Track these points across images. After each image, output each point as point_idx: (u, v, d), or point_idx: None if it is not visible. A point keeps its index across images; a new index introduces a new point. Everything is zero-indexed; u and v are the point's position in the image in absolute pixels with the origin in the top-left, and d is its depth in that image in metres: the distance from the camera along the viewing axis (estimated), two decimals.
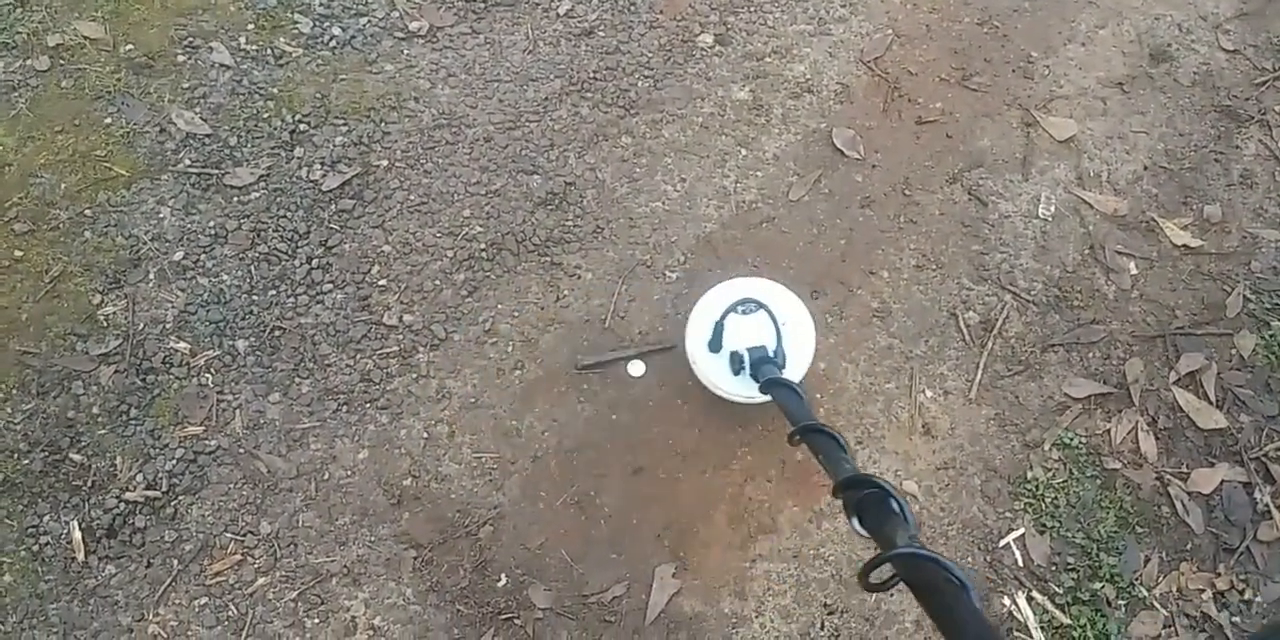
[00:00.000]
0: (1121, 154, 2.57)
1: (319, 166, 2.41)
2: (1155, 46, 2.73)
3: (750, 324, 1.97)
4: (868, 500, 1.14)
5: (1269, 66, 2.72)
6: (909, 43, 2.70)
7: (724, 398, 1.98)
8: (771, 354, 1.91)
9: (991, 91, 2.64)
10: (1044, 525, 2.15)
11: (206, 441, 2.13)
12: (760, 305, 1.97)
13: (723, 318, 1.95)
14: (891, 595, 2.08)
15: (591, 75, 2.58)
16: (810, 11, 2.72)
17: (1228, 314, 2.38)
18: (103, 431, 2.13)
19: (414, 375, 2.22)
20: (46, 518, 2.05)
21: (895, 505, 1.11)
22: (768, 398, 1.80)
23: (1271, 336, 2.35)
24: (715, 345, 1.95)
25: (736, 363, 1.90)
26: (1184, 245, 2.45)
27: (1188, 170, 2.56)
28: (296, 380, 2.20)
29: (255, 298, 2.27)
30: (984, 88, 2.64)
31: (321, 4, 2.62)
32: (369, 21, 2.60)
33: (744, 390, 1.91)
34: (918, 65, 2.67)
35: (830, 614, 2.05)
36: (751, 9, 2.71)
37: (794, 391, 1.68)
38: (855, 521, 1.14)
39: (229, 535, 2.06)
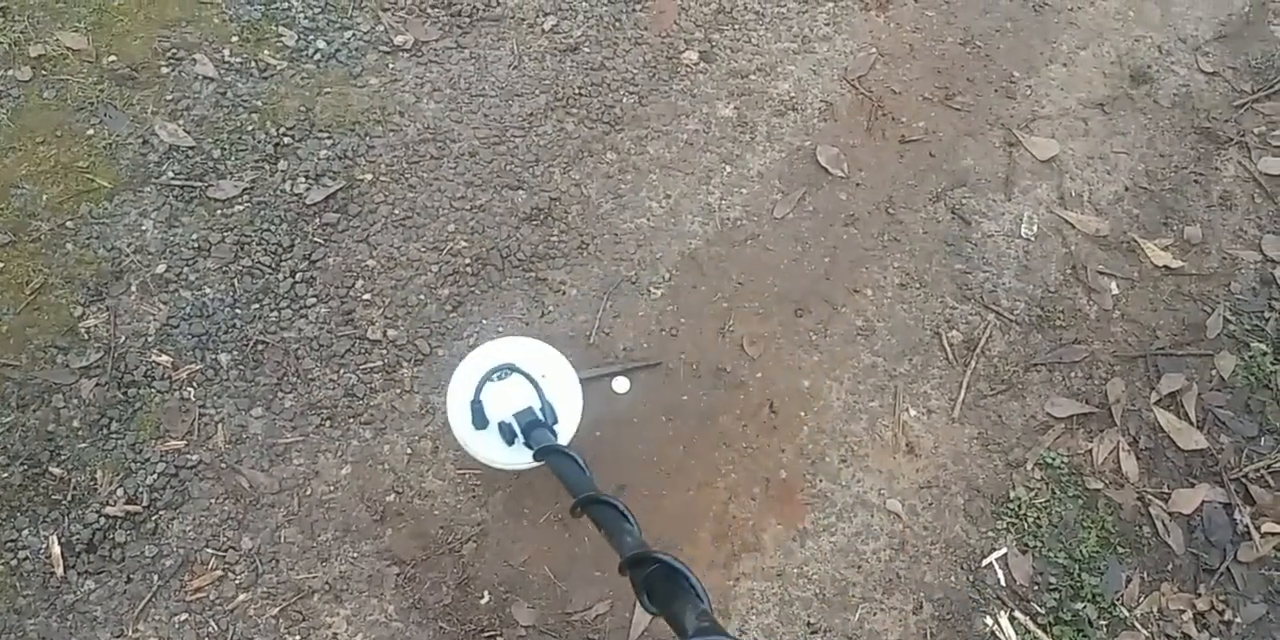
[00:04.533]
0: (1103, 174, 2.59)
1: (303, 180, 2.40)
2: (1136, 68, 2.76)
3: (508, 389, 1.89)
4: (655, 577, 1.09)
5: (1248, 89, 2.76)
6: (892, 62, 2.72)
7: (508, 470, 1.91)
8: (539, 413, 1.83)
9: (974, 111, 2.66)
10: (1026, 545, 2.16)
11: (188, 456, 2.11)
12: (512, 368, 1.89)
13: (478, 394, 1.86)
14: (875, 614, 2.08)
15: (577, 91, 2.58)
16: (794, 30, 2.73)
17: (1208, 335, 2.41)
18: (83, 445, 2.11)
19: (398, 390, 2.21)
20: (25, 532, 2.03)
21: (686, 581, 1.04)
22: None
23: (1251, 358, 2.37)
24: (480, 422, 1.85)
25: (507, 433, 1.82)
26: (1165, 266, 2.48)
27: (1168, 191, 2.59)
28: (279, 395, 2.19)
29: (238, 311, 2.25)
30: (967, 107, 2.66)
31: (306, 17, 2.61)
32: (354, 35, 2.60)
33: (524, 458, 1.81)
34: (901, 84, 2.69)
35: (813, 633, 2.05)
36: (736, 27, 2.72)
37: (569, 457, 1.60)
38: (645, 599, 1.09)
39: (210, 551, 2.04)
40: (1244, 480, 2.24)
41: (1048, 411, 2.30)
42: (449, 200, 2.41)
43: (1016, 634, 2.07)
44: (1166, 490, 2.24)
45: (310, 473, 2.12)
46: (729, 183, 2.50)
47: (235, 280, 2.28)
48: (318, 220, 2.36)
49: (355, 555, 2.06)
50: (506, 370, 1.89)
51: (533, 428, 1.79)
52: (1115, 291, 2.45)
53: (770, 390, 2.27)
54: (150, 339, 2.21)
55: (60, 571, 2.00)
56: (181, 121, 2.44)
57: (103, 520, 2.05)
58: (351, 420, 2.17)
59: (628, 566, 1.14)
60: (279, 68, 2.54)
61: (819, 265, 2.42)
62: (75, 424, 2.13)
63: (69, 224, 2.30)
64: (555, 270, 2.36)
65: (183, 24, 2.57)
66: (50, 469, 2.08)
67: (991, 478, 2.23)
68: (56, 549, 2.01)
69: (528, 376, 1.88)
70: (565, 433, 1.86)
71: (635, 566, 1.13)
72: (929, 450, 2.24)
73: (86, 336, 2.21)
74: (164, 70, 2.50)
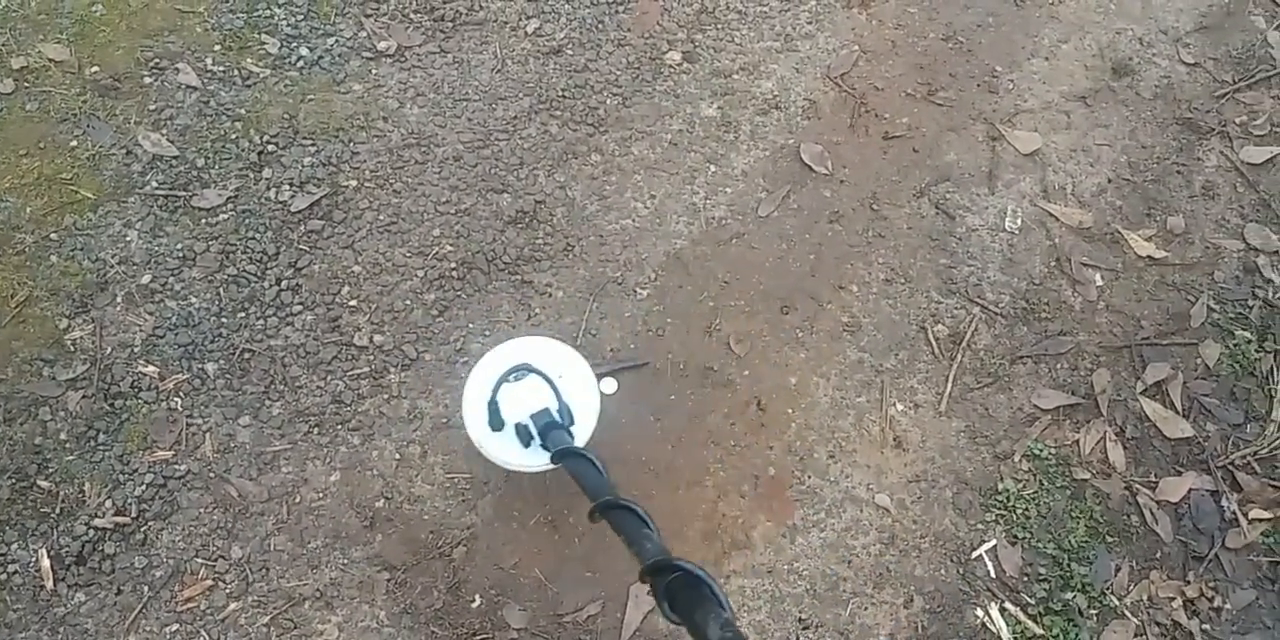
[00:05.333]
0: (1085, 167, 2.60)
1: (287, 187, 2.40)
2: (1117, 60, 2.77)
3: (525, 390, 1.86)
4: (676, 584, 1.07)
5: (1229, 79, 2.76)
6: (875, 58, 2.72)
7: (525, 472, 1.89)
8: (556, 414, 1.80)
9: (957, 106, 2.66)
10: (1015, 536, 2.17)
11: (176, 466, 2.12)
12: (529, 368, 1.84)
13: (495, 394, 1.81)
14: (866, 608, 2.09)
15: (560, 93, 2.58)
16: (777, 28, 2.74)
17: (1192, 324, 2.41)
18: (71, 457, 2.11)
19: (385, 396, 2.21)
20: (14, 546, 2.03)
21: (708, 589, 1.03)
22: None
23: (1236, 346, 2.38)
24: (496, 423, 1.81)
25: (524, 435, 1.79)
26: (1148, 256, 2.48)
27: (1151, 182, 2.59)
28: (267, 403, 2.19)
29: (224, 320, 2.26)
30: (949, 102, 2.67)
31: (289, 24, 2.61)
32: (336, 41, 2.60)
33: (540, 460, 1.78)
34: (884, 80, 2.69)
35: (805, 629, 2.06)
36: (719, 26, 2.72)
37: (586, 460, 1.58)
38: (666, 607, 1.07)
39: (200, 560, 2.05)
40: (1230, 467, 2.25)
41: (1034, 403, 2.30)
42: (434, 205, 2.41)
43: (1007, 625, 2.08)
44: (1154, 479, 2.24)
45: (299, 480, 2.13)
46: (714, 182, 2.51)
47: (221, 289, 2.29)
48: (302, 227, 2.36)
49: (345, 562, 2.06)
50: (524, 371, 1.85)
51: (550, 430, 1.76)
52: (1100, 283, 2.45)
53: (757, 388, 2.28)
54: (136, 350, 2.22)
55: (50, 584, 2.00)
56: (165, 131, 2.45)
57: (92, 532, 2.05)
58: (339, 427, 2.18)
59: (648, 574, 1.12)
60: (262, 75, 2.55)
61: (804, 262, 2.42)
62: (62, 436, 2.13)
63: (53, 236, 2.31)
64: (541, 273, 2.36)
65: (165, 33, 2.57)
66: (38, 482, 2.09)
67: (979, 470, 2.23)
68: (46, 562, 2.01)
69: (544, 377, 1.84)
70: (582, 434, 1.84)
71: (656, 574, 1.10)
72: (917, 444, 2.25)
73: (72, 348, 2.21)
74: (147, 80, 2.51)
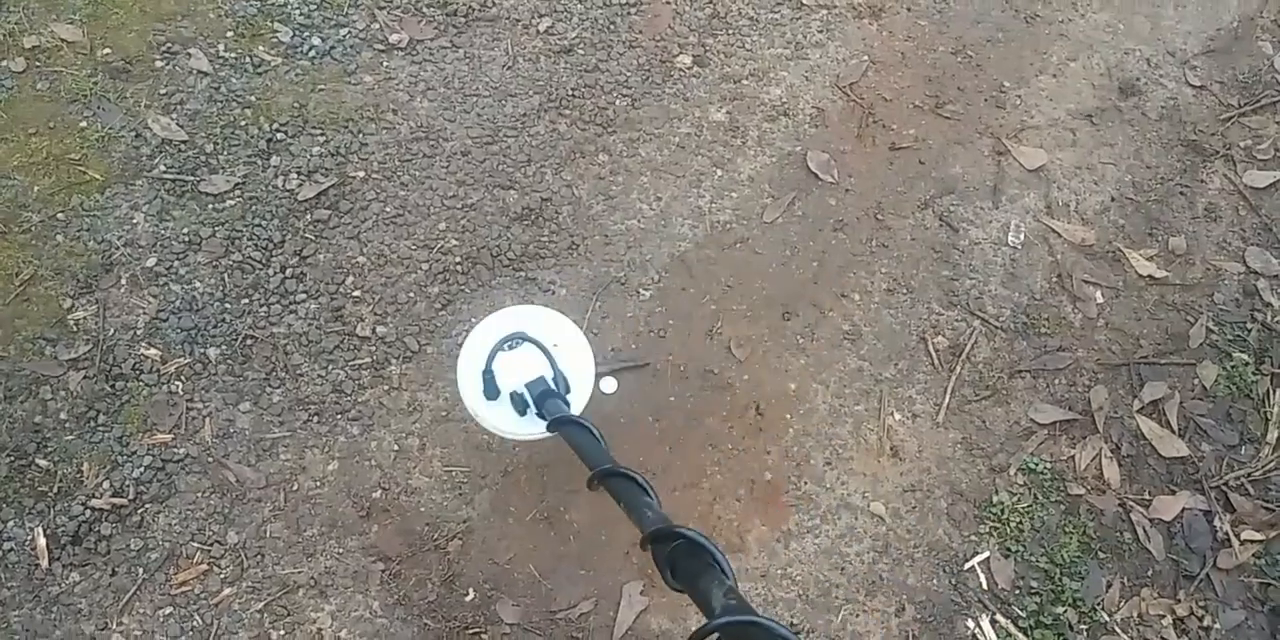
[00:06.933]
0: (1090, 185, 2.62)
1: (295, 176, 2.40)
2: (1124, 80, 2.78)
3: (519, 358, 1.82)
4: (678, 552, 1.04)
5: (1234, 102, 2.78)
6: (884, 69, 2.74)
7: (522, 440, 1.86)
8: (551, 383, 1.77)
9: (964, 119, 2.68)
10: (1008, 549, 2.18)
11: (175, 449, 2.11)
12: (524, 337, 1.81)
13: (489, 364, 1.78)
14: (857, 616, 2.09)
15: (570, 93, 2.59)
16: (788, 36, 2.75)
17: (1191, 344, 2.43)
18: (70, 437, 2.11)
19: (386, 387, 2.21)
20: (10, 524, 2.02)
21: (711, 557, 0.99)
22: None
23: (1233, 367, 2.39)
24: (491, 392, 1.78)
25: (519, 404, 1.75)
26: (1149, 276, 2.50)
27: (1154, 202, 2.61)
28: (267, 390, 2.19)
29: (228, 306, 2.25)
30: (957, 116, 2.68)
31: (302, 13, 2.61)
32: (349, 32, 2.60)
33: (536, 429, 1.74)
34: (892, 92, 2.70)
35: (797, 635, 2.06)
36: (730, 32, 2.73)
37: (583, 427, 1.54)
38: (668, 574, 1.04)
39: (195, 544, 2.04)
40: (1224, 488, 2.26)
41: (1031, 417, 2.31)
42: (440, 199, 2.41)
43: (998, 637, 2.08)
44: (1148, 497, 2.25)
45: (297, 468, 2.12)
46: (719, 186, 2.51)
47: (225, 275, 2.28)
48: (309, 216, 2.36)
49: (341, 551, 2.06)
50: (518, 339, 1.81)
51: (545, 398, 1.72)
52: (1100, 300, 2.47)
53: (757, 392, 2.29)
54: (139, 332, 2.21)
55: (45, 564, 2.00)
56: (175, 115, 2.44)
57: (88, 513, 2.05)
58: (339, 416, 2.18)
59: (650, 542, 1.10)
60: (273, 63, 2.55)
61: (807, 269, 2.43)
62: (63, 416, 2.12)
63: (60, 216, 2.30)
64: (545, 270, 2.37)
65: (178, 18, 2.57)
66: (37, 461, 2.08)
67: (975, 482, 2.24)
68: (42, 541, 2.01)
69: (539, 345, 1.80)
70: (578, 402, 1.81)
71: (657, 542, 1.08)
72: (913, 454, 2.26)
73: (75, 329, 2.20)
74: (158, 64, 2.51)
